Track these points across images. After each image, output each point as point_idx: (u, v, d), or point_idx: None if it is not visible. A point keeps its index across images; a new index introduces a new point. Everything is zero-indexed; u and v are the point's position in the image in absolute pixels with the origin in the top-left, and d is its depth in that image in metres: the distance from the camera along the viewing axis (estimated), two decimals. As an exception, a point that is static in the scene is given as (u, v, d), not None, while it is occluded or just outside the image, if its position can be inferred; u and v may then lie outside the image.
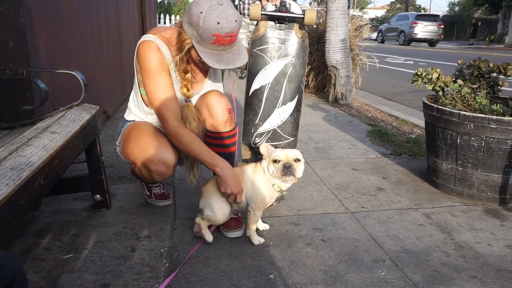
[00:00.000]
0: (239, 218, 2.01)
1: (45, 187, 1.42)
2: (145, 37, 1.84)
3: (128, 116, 2.08)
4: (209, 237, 1.85)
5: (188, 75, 1.87)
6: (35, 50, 2.24)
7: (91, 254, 1.75)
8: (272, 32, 2.00)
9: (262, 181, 1.84)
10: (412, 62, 11.90)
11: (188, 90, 1.89)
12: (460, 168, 2.37)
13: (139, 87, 1.96)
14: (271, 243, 1.91)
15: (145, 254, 1.76)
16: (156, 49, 1.81)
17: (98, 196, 2.11)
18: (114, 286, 1.54)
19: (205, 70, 1.99)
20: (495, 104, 2.32)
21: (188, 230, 2.00)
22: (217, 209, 1.83)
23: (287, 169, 1.77)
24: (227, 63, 1.74)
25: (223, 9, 1.66)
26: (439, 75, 2.58)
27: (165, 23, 11.48)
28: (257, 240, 1.89)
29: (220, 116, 1.94)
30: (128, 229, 1.97)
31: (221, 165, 1.79)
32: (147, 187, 2.23)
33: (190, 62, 1.87)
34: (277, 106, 2.07)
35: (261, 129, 2.10)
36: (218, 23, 1.65)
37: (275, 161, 1.79)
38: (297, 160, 1.80)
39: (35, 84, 1.92)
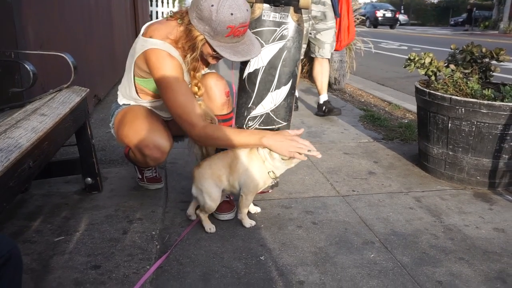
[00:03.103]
0: (231, 201, 2.03)
1: (35, 169, 1.41)
2: (152, 45, 1.74)
3: (121, 101, 2.05)
4: (211, 228, 1.87)
5: (199, 74, 1.82)
6: (23, 31, 2.20)
7: (82, 236, 1.76)
8: (268, 15, 1.98)
9: (258, 168, 1.83)
10: (406, 48, 11.88)
11: (199, 89, 1.83)
12: (450, 153, 2.39)
13: (134, 76, 1.91)
14: (262, 225, 1.93)
15: (137, 236, 1.77)
16: (168, 57, 1.73)
17: (89, 179, 2.11)
18: (106, 268, 1.56)
19: (206, 63, 1.95)
20: (486, 89, 2.34)
21: (179, 213, 2.01)
22: (208, 196, 1.82)
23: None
24: (244, 55, 1.71)
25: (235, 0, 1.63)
26: (431, 60, 2.59)
27: (157, 5, 11.33)
28: (248, 223, 1.91)
29: (217, 98, 1.92)
30: (120, 212, 1.97)
31: (265, 140, 1.75)
32: (139, 170, 2.22)
33: (199, 60, 1.81)
34: (270, 90, 2.06)
35: (254, 113, 2.09)
36: (232, 14, 1.60)
37: None
38: None
39: (23, 66, 1.89)
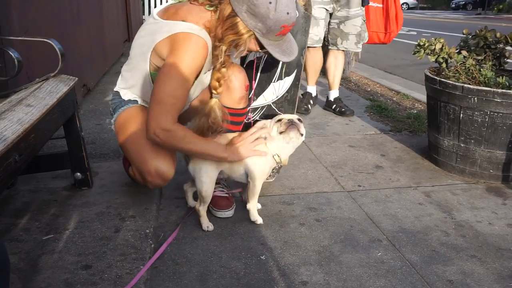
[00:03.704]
0: (230, 197, 2.03)
1: (21, 164, 1.41)
2: (188, 28, 1.65)
3: (125, 95, 1.96)
4: (208, 226, 1.86)
5: (224, 69, 1.77)
6: (7, 16, 2.19)
7: (72, 235, 1.76)
8: None
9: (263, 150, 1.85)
10: (415, 33, 11.86)
11: (220, 85, 1.78)
12: (462, 145, 2.39)
13: (150, 70, 1.81)
14: (262, 223, 1.93)
15: (130, 235, 1.77)
16: (204, 48, 1.67)
17: (78, 174, 2.11)
18: (97, 268, 1.56)
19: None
20: (500, 77, 2.33)
21: (174, 210, 2.01)
22: (206, 175, 1.81)
23: (290, 123, 1.80)
24: (289, 54, 1.72)
25: None
26: (442, 46, 2.58)
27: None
28: (255, 216, 1.91)
29: (236, 91, 1.89)
30: (111, 209, 1.97)
31: (230, 156, 1.79)
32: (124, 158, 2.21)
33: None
34: (273, 80, 2.05)
35: (254, 104, 2.09)
36: (288, 13, 1.60)
37: (278, 120, 1.82)
38: (299, 120, 1.85)
39: (7, 53, 1.88)
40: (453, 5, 32.85)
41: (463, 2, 31.79)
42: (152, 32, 1.75)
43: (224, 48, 1.68)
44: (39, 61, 2.54)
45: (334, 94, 3.70)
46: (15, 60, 1.83)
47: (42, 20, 2.83)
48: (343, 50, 3.55)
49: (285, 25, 1.63)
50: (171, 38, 1.68)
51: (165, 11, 1.78)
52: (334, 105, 3.65)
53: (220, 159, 1.79)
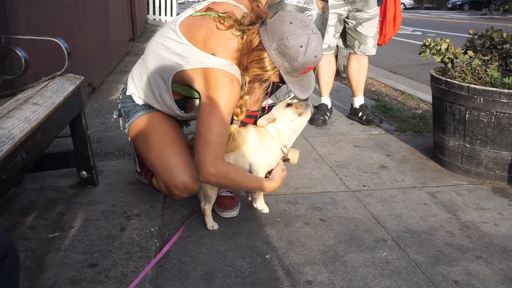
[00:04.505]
0: (234, 197, 2.03)
1: (28, 162, 1.42)
2: (219, 64, 1.65)
3: (138, 100, 1.93)
4: (213, 225, 1.87)
5: (247, 97, 1.77)
6: (14, 15, 2.20)
7: (78, 233, 1.77)
8: None
9: (270, 144, 1.86)
10: (420, 33, 11.82)
11: (242, 112, 1.79)
12: (468, 145, 2.39)
13: (171, 82, 1.78)
14: (267, 222, 1.93)
15: (135, 233, 1.78)
16: (237, 83, 1.68)
17: (84, 172, 2.12)
18: (103, 266, 1.57)
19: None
20: (507, 77, 2.33)
21: (179, 209, 2.02)
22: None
23: (306, 104, 1.88)
24: (308, 89, 1.72)
25: (318, 38, 1.61)
26: (448, 46, 2.57)
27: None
28: (262, 204, 1.93)
29: (255, 94, 1.88)
30: (117, 207, 1.98)
31: (273, 186, 1.86)
32: (139, 163, 2.22)
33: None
34: None
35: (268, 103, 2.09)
36: (315, 56, 1.61)
37: (289, 105, 1.88)
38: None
39: (14, 52, 1.90)
40: (449, 5, 32.66)
41: (460, 2, 31.60)
42: (178, 54, 1.71)
43: (248, 79, 1.69)
44: (45, 60, 2.56)
45: (359, 101, 3.44)
46: (22, 59, 1.84)
47: (48, 19, 2.84)
48: (360, 55, 3.34)
49: (310, 66, 1.64)
50: (203, 72, 1.67)
51: (189, 30, 1.72)
52: (361, 113, 3.39)
53: (263, 190, 1.89)
